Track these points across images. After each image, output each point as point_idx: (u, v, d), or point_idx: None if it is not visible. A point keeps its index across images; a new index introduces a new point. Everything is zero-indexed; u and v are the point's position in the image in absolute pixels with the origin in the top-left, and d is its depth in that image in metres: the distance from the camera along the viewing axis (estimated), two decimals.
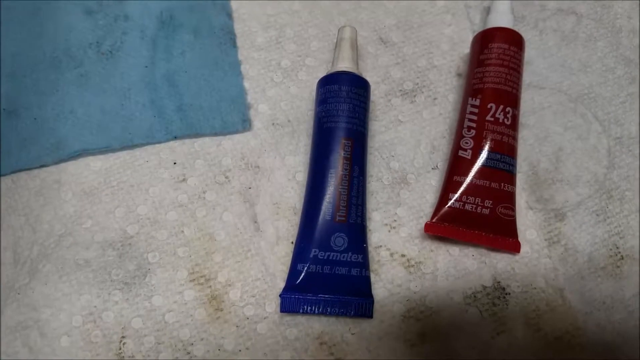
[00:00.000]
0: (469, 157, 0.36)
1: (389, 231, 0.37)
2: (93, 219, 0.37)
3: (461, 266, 0.36)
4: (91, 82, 0.40)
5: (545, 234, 0.37)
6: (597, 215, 0.38)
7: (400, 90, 0.41)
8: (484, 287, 0.36)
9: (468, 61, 0.41)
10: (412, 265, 0.36)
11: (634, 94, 0.42)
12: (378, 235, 0.37)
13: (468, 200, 0.35)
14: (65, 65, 0.40)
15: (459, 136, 0.37)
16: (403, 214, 0.38)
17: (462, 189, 0.36)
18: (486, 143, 0.36)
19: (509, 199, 0.36)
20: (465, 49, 0.43)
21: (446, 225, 0.36)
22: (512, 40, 0.38)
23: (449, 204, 0.36)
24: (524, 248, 0.37)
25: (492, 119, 0.36)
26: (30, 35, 0.41)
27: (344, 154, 0.35)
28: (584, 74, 0.42)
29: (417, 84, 0.42)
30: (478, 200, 0.35)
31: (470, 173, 0.36)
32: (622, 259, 0.37)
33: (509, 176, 0.36)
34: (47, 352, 0.34)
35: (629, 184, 0.39)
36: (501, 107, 0.37)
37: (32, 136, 0.39)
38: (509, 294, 0.36)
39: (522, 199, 0.38)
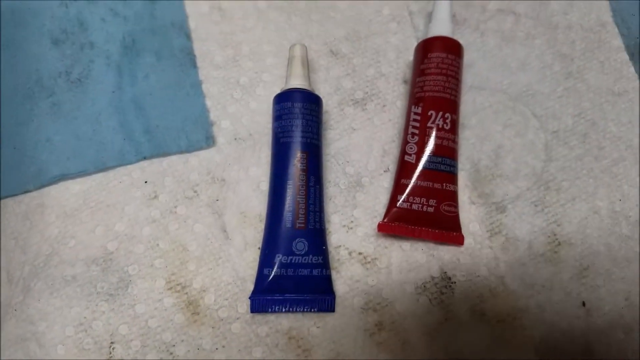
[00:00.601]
0: (413, 161, 0.43)
1: (347, 232, 0.44)
2: (76, 238, 0.44)
3: (412, 260, 0.43)
4: (63, 110, 0.47)
5: (487, 226, 0.45)
6: (536, 205, 0.45)
7: (352, 99, 0.48)
8: (432, 278, 0.43)
9: (412, 69, 0.47)
10: (369, 262, 0.43)
11: (570, 88, 0.48)
12: (337, 236, 0.44)
13: (414, 201, 0.43)
14: (38, 95, 0.47)
15: (404, 142, 0.44)
16: (359, 215, 0.45)
17: (408, 190, 0.43)
18: (428, 147, 0.43)
19: (452, 197, 0.43)
20: (410, 56, 0.49)
21: (396, 224, 0.43)
22: (450, 48, 0.45)
23: (398, 204, 0.43)
24: (468, 240, 0.44)
25: (432, 125, 0.43)
26: (5, 68, 0.47)
27: (301, 166, 0.42)
28: (522, 72, 0.49)
29: (367, 92, 0.48)
30: (423, 200, 0.43)
31: (415, 176, 0.43)
32: (560, 244, 0.44)
33: (451, 176, 0.43)
34: None
35: (565, 175, 0.46)
36: (440, 113, 0.44)
37: (14, 164, 0.45)
38: (455, 282, 0.43)
39: (465, 195, 0.45)
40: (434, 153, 0.43)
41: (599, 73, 0.49)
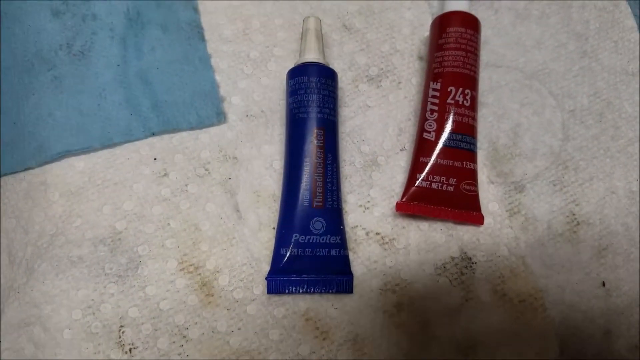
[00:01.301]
0: (432, 139, 0.42)
1: (364, 212, 0.43)
2: (82, 218, 0.42)
3: (431, 240, 0.43)
4: (65, 84, 0.45)
5: (506, 206, 0.44)
6: (554, 185, 0.45)
7: (367, 76, 0.47)
8: (452, 258, 0.42)
9: (428, 45, 0.46)
10: (387, 242, 0.43)
11: (585, 68, 0.48)
12: (354, 216, 0.43)
13: (434, 179, 0.42)
14: (38, 68, 0.45)
15: (422, 119, 0.43)
16: (375, 195, 0.44)
17: (427, 168, 0.42)
18: (448, 125, 0.42)
19: (471, 175, 0.42)
20: (425, 32, 0.48)
21: (415, 204, 0.42)
22: (469, 23, 0.44)
23: (417, 183, 0.42)
24: (487, 220, 0.43)
25: (452, 102, 0.42)
26: (3, 40, 0.45)
27: (317, 142, 0.41)
28: (537, 50, 0.48)
29: (382, 69, 0.47)
30: (443, 178, 0.42)
31: (435, 153, 0.42)
32: (578, 224, 0.44)
33: (471, 154, 0.42)
34: (51, 345, 0.39)
35: (582, 154, 0.46)
36: (460, 89, 0.43)
37: (14, 140, 0.43)
38: (475, 263, 0.42)
39: (483, 174, 0.45)
40: (454, 130, 0.42)
41: (612, 53, 0.49)
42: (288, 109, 0.43)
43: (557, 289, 0.42)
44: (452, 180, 0.42)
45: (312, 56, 0.43)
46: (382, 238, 0.43)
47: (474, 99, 0.43)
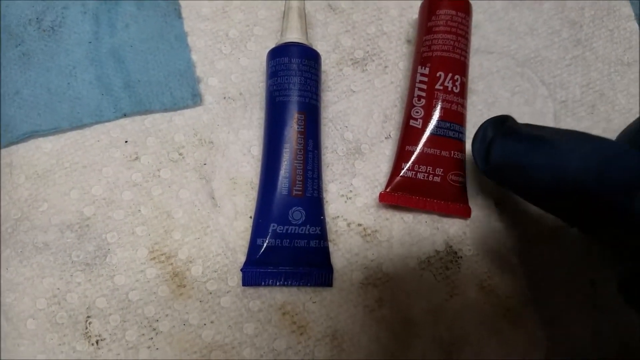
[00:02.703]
0: (419, 127, 0.41)
1: (345, 202, 0.42)
2: (49, 202, 0.40)
3: (415, 233, 0.41)
4: (34, 60, 0.43)
5: (495, 198, 0.43)
6: None
7: (351, 59, 0.46)
8: (437, 252, 0.41)
9: (417, 28, 0.45)
10: (369, 234, 0.41)
11: (578, 57, 0.47)
12: (335, 206, 0.42)
13: (420, 169, 0.40)
14: (5, 44, 0.43)
15: (409, 105, 0.42)
16: (358, 184, 0.43)
17: (413, 158, 0.41)
18: (436, 112, 0.41)
19: (459, 166, 0.41)
20: (414, 14, 0.47)
21: (400, 194, 0.41)
22: (460, 6, 0.42)
23: (402, 173, 0.41)
24: (475, 212, 0.42)
25: (441, 88, 0.41)
26: None
27: (298, 128, 0.39)
28: (530, 37, 0.47)
29: (368, 52, 0.46)
30: (429, 168, 0.40)
31: (421, 142, 0.41)
32: None
33: (459, 144, 0.41)
34: (14, 335, 0.37)
35: None
36: (450, 75, 0.41)
37: None
38: (461, 257, 0.41)
39: (474, 166, 0.43)
40: (442, 118, 0.41)
41: (607, 42, 0.48)
42: (268, 91, 0.41)
43: (545, 286, 0.41)
44: (439, 171, 0.41)
45: (294, 36, 0.42)
46: (364, 230, 0.41)
47: (463, 85, 0.42)
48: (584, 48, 0.47)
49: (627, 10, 0.48)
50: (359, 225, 0.42)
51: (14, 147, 0.41)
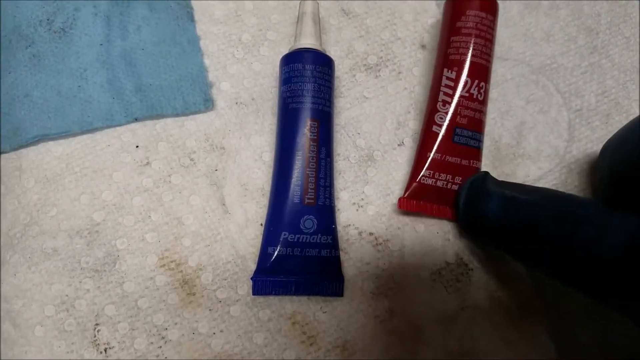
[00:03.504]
0: (442, 133, 0.40)
1: (357, 210, 0.41)
2: (58, 207, 0.39)
3: (427, 243, 0.40)
4: (45, 62, 0.41)
5: None
6: (557, 188, 0.42)
7: (365, 64, 0.44)
8: (448, 264, 0.40)
9: (440, 25, 0.43)
10: (380, 244, 0.40)
11: (594, 64, 0.45)
12: (346, 214, 0.41)
13: (440, 177, 0.39)
14: (15, 45, 0.42)
15: (432, 110, 0.40)
16: (370, 193, 0.41)
17: (434, 165, 0.39)
18: (460, 120, 0.40)
19: None
20: (429, 18, 0.46)
21: (418, 201, 0.40)
22: (489, 7, 0.41)
23: (422, 180, 0.39)
24: None
25: (466, 95, 0.40)
26: None
27: (311, 135, 0.38)
28: (546, 43, 0.46)
29: (382, 57, 0.44)
30: (449, 177, 0.39)
31: (443, 149, 0.40)
32: None
33: (478, 152, 0.40)
34: (21, 343, 0.36)
35: (587, 157, 0.43)
36: (476, 81, 0.40)
37: None
38: (472, 269, 0.40)
39: None
40: (465, 126, 0.40)
41: (624, 49, 0.46)
42: (280, 97, 0.40)
43: (554, 296, 0.40)
44: (458, 179, 0.40)
45: (308, 42, 0.40)
46: (376, 239, 0.40)
47: (486, 93, 0.41)
48: (600, 55, 0.46)
49: None
50: (371, 234, 0.40)
51: (23, 151, 0.40)
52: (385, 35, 0.45)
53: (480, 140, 0.40)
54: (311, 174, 0.38)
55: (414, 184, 0.40)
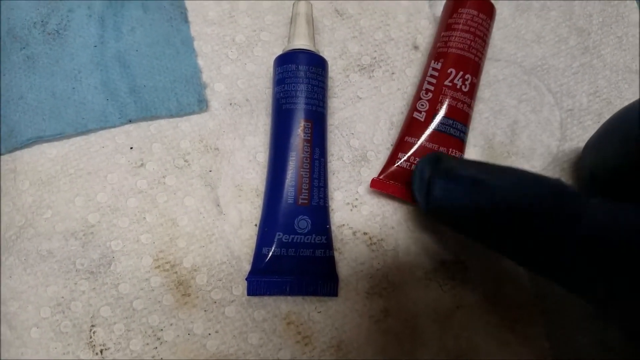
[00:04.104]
0: (422, 120, 0.40)
1: (351, 210, 0.40)
2: (53, 209, 0.39)
3: (421, 242, 0.40)
4: (39, 64, 0.41)
5: None
6: None
7: (358, 65, 0.44)
8: (443, 262, 0.40)
9: (438, 24, 0.44)
10: (374, 243, 0.40)
11: (586, 64, 0.45)
12: (340, 214, 0.40)
13: (415, 162, 0.39)
14: (9, 47, 0.41)
15: (416, 98, 0.41)
16: (364, 192, 0.41)
17: (411, 149, 0.39)
18: (441, 107, 0.40)
19: None
20: (422, 19, 0.45)
21: (391, 183, 0.40)
22: (483, 7, 0.41)
23: (398, 163, 0.39)
24: None
25: (450, 84, 0.40)
26: None
27: (304, 136, 0.38)
28: (537, 44, 0.45)
29: (375, 58, 0.44)
30: None
31: (422, 135, 0.39)
32: None
33: (459, 143, 0.40)
34: (17, 344, 0.36)
35: (579, 157, 0.43)
36: (461, 73, 0.40)
37: None
38: (468, 267, 0.39)
39: None
40: (446, 114, 0.39)
41: (616, 49, 0.46)
42: (274, 98, 0.40)
43: (553, 297, 0.40)
44: None
45: (301, 42, 0.40)
46: (370, 238, 0.40)
47: (473, 86, 0.40)
48: (592, 55, 0.46)
49: (636, 16, 0.47)
50: (365, 233, 0.40)
51: (18, 153, 0.40)
52: (379, 36, 0.45)
53: (462, 132, 0.40)
54: (305, 174, 0.38)
55: (390, 167, 0.40)
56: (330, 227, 0.39)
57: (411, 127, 0.40)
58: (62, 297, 0.37)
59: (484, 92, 0.44)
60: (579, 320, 0.39)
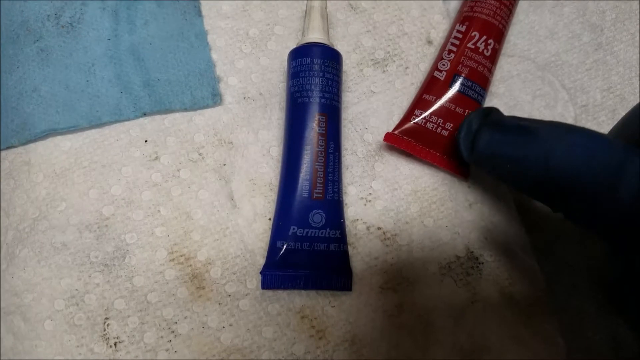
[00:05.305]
0: (442, 79, 0.40)
1: (365, 205, 0.39)
2: (67, 201, 0.38)
3: (435, 237, 0.39)
4: (52, 57, 0.40)
5: (517, 204, 0.40)
6: None
7: (372, 59, 0.43)
8: (458, 258, 0.38)
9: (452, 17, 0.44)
10: (388, 238, 0.39)
11: (599, 61, 0.44)
12: (354, 209, 0.39)
13: (431, 119, 0.39)
14: (23, 39, 0.40)
15: (438, 59, 0.41)
16: (378, 187, 0.40)
17: (428, 107, 0.39)
18: (462, 68, 0.39)
19: None
20: (435, 14, 0.44)
21: (405, 139, 0.39)
22: None
23: (414, 120, 0.39)
24: (497, 218, 0.40)
25: (472, 47, 0.40)
26: None
27: (319, 129, 0.37)
28: (550, 41, 0.44)
29: (389, 52, 0.43)
30: (440, 120, 0.39)
31: (440, 94, 0.39)
32: None
33: (476, 105, 0.40)
34: (31, 336, 0.35)
35: None
36: (484, 37, 0.40)
37: None
38: (482, 263, 0.38)
39: None
40: (467, 75, 0.39)
41: (629, 45, 0.45)
42: (289, 92, 0.39)
43: (566, 293, 0.39)
44: (449, 125, 0.39)
45: (316, 36, 0.39)
46: (384, 233, 0.39)
47: (495, 51, 0.40)
48: (605, 52, 0.45)
49: None
50: (379, 228, 0.39)
51: (31, 145, 0.39)
52: (392, 30, 0.44)
53: (481, 95, 0.40)
54: (320, 168, 0.37)
55: (406, 123, 0.39)
56: (344, 221, 0.38)
57: (430, 85, 0.40)
58: (76, 290, 0.36)
59: (499, 87, 0.43)
60: (592, 317, 0.38)
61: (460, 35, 0.40)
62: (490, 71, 0.40)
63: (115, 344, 0.35)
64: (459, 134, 0.36)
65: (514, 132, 0.31)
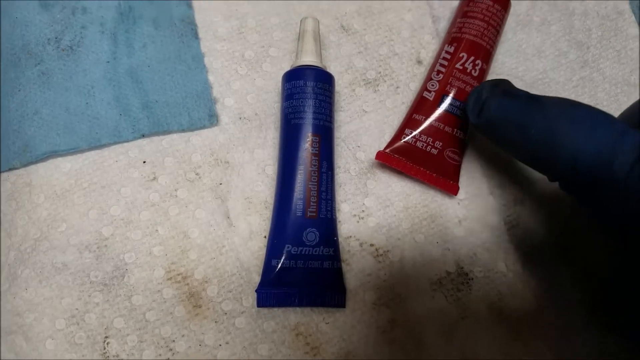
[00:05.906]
0: (431, 99, 0.40)
1: (358, 222, 0.40)
2: (67, 222, 0.38)
3: (426, 253, 0.39)
4: (53, 80, 0.40)
5: (505, 219, 0.40)
6: (552, 198, 0.41)
7: (364, 79, 0.43)
8: (448, 273, 0.39)
9: (454, 14, 0.44)
10: (381, 254, 0.39)
11: (585, 78, 0.44)
12: (347, 226, 0.39)
13: (421, 138, 0.39)
14: (24, 63, 0.40)
15: (427, 79, 0.41)
16: (370, 204, 0.40)
17: (418, 126, 0.39)
18: (450, 89, 0.40)
19: (459, 145, 0.40)
20: (425, 34, 0.44)
21: (396, 157, 0.39)
22: (499, 0, 0.41)
23: (405, 139, 0.39)
24: (486, 234, 0.40)
25: (460, 67, 0.40)
26: None
27: (312, 150, 0.37)
28: (538, 59, 0.44)
29: (380, 72, 0.43)
30: (430, 139, 0.39)
31: (429, 113, 0.40)
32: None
33: (465, 125, 0.40)
34: (33, 355, 0.35)
35: None
36: (472, 58, 0.40)
37: None
38: (472, 279, 0.38)
39: (483, 184, 0.41)
40: (455, 96, 0.39)
41: (615, 62, 0.45)
42: (283, 113, 0.39)
43: (554, 308, 0.39)
44: (438, 144, 0.39)
45: (309, 59, 0.39)
46: (377, 250, 0.39)
47: (483, 72, 0.40)
48: (591, 69, 0.45)
49: (634, 30, 0.46)
50: (371, 245, 0.39)
51: (33, 167, 0.39)
52: (383, 51, 0.44)
53: None
54: (313, 187, 0.37)
55: (396, 142, 0.40)
56: (337, 239, 0.38)
57: (420, 105, 0.40)
58: (77, 309, 0.36)
59: None
60: (581, 331, 0.38)
61: (448, 56, 0.40)
62: None
63: None
64: (468, 101, 0.36)
65: (522, 100, 0.33)
